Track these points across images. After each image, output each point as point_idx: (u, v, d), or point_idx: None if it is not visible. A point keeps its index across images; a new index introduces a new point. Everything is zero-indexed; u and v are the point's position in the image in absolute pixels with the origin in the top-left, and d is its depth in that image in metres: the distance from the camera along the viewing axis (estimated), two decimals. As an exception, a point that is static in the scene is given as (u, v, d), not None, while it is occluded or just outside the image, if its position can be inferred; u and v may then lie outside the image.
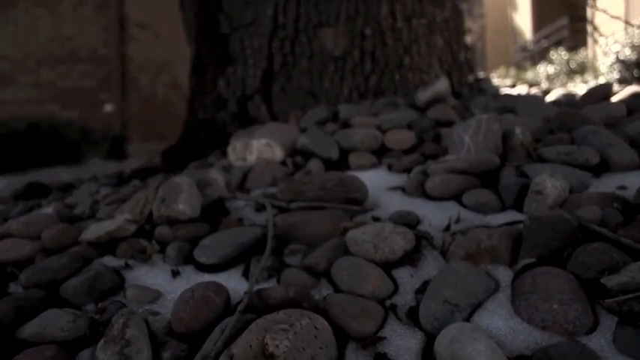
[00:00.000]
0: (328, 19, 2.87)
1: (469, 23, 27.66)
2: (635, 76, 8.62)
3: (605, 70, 9.87)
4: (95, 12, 12.45)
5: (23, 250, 1.56)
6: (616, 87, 2.99)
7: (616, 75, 8.91)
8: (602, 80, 9.29)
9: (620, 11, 14.44)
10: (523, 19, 22.48)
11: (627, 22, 7.25)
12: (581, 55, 14.03)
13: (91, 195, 2.40)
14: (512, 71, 16.57)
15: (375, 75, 2.93)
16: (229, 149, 1.92)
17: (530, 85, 3.29)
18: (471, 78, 3.44)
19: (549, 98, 2.94)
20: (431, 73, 3.10)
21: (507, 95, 2.71)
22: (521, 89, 3.30)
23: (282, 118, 2.90)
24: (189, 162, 2.71)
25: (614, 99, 2.57)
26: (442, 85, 2.70)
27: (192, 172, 1.96)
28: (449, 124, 2.16)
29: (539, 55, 19.49)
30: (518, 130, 1.80)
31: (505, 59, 24.67)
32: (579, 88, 3.46)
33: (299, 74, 2.90)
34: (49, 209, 2.32)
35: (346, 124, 2.36)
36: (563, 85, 11.69)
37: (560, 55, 13.50)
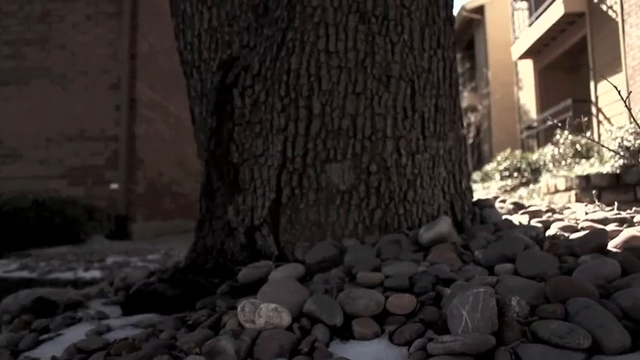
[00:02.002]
0: (336, 154, 3.00)
1: (475, 101, 28.05)
2: (640, 162, 8.70)
3: (610, 156, 9.98)
4: (107, 92, 12.74)
5: None
6: (612, 222, 3.09)
7: (620, 161, 9.01)
8: (607, 167, 9.42)
9: (622, 92, 14.65)
10: (528, 98, 22.83)
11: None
12: (587, 136, 14.14)
13: (100, 334, 2.47)
14: (518, 153, 16.78)
15: (379, 209, 3.03)
16: (238, 310, 2.01)
17: (532, 215, 3.41)
18: (472, 199, 3.55)
19: (550, 232, 3.04)
20: (434, 204, 3.21)
21: (508, 236, 2.81)
22: (522, 219, 3.40)
23: (288, 250, 3.00)
24: (195, 293, 2.79)
25: (611, 244, 2.67)
26: (444, 226, 2.81)
27: (202, 331, 2.05)
28: (449, 281, 2.26)
29: (545, 134, 19.74)
30: (514, 302, 1.89)
31: (511, 137, 25.01)
32: (582, 212, 3.59)
33: (306, 207, 3.01)
34: (58, 347, 2.40)
35: (350, 274, 2.47)
36: (569, 168, 11.81)
37: (564, 136, 13.63)
